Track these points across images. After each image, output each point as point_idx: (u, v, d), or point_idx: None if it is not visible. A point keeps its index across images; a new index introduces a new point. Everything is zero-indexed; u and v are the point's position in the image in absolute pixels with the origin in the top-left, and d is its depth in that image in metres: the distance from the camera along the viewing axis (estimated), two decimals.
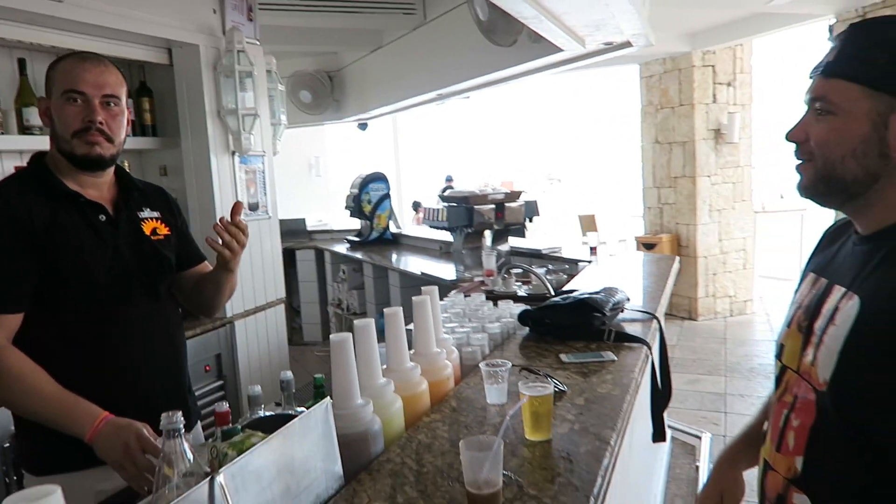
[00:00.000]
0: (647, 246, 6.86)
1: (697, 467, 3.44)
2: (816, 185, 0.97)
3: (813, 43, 6.21)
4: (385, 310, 1.45)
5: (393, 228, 5.91)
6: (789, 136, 0.98)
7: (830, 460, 0.93)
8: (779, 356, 1.07)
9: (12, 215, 1.41)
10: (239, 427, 1.23)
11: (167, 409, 1.53)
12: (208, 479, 0.83)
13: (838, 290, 0.95)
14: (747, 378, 4.99)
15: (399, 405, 1.34)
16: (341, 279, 5.50)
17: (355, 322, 1.33)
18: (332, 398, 1.16)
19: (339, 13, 4.60)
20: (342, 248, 5.68)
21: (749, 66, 6.75)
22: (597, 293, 2.05)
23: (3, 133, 2.39)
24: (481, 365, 1.49)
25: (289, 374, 1.50)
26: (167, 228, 1.72)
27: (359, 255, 5.29)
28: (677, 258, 3.47)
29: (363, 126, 7.16)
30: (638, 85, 7.22)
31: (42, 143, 2.51)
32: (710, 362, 5.43)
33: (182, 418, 0.94)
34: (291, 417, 1.09)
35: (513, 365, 1.59)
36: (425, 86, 5.09)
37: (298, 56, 6.11)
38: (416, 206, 11.94)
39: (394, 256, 5.16)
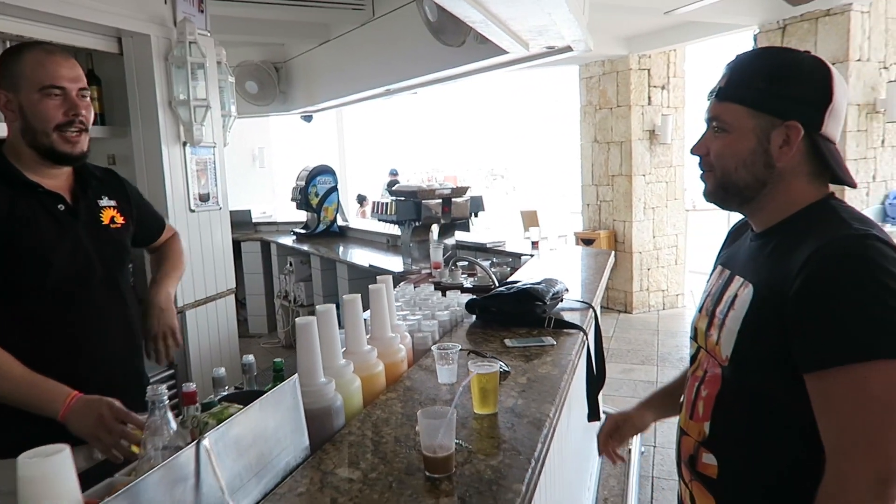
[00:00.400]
0: (586, 241, 7.14)
1: (630, 450, 3.66)
2: (717, 191, 1.13)
3: (740, 50, 6.58)
4: (344, 296, 1.55)
5: (340, 221, 5.96)
6: (693, 151, 1.15)
7: (731, 422, 1.09)
8: (694, 338, 1.23)
9: None
10: (216, 400, 1.31)
11: (126, 393, 1.60)
12: (195, 442, 0.92)
13: (738, 280, 1.11)
14: (677, 367, 5.29)
15: (358, 384, 1.45)
16: (288, 271, 5.52)
17: (318, 307, 1.43)
18: (298, 376, 1.26)
19: (288, 6, 4.63)
20: (288, 241, 5.70)
21: (682, 71, 7.10)
22: (538, 283, 2.20)
23: None
24: (433, 347, 1.61)
25: (251, 358, 1.58)
26: (123, 218, 1.77)
27: (306, 248, 5.33)
28: (613, 253, 3.68)
29: (308, 118, 7.16)
30: (577, 85, 7.48)
31: None
32: (643, 353, 5.72)
33: (166, 390, 1.03)
34: (261, 394, 1.18)
35: (461, 349, 1.72)
36: (372, 81, 5.16)
37: (244, 46, 6.07)
38: (361, 199, 11.97)
39: (340, 249, 5.22)
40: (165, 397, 1.02)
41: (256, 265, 6.03)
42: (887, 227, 5.04)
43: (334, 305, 1.45)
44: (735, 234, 1.28)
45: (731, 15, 5.06)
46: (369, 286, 1.68)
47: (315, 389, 1.29)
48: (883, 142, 5.13)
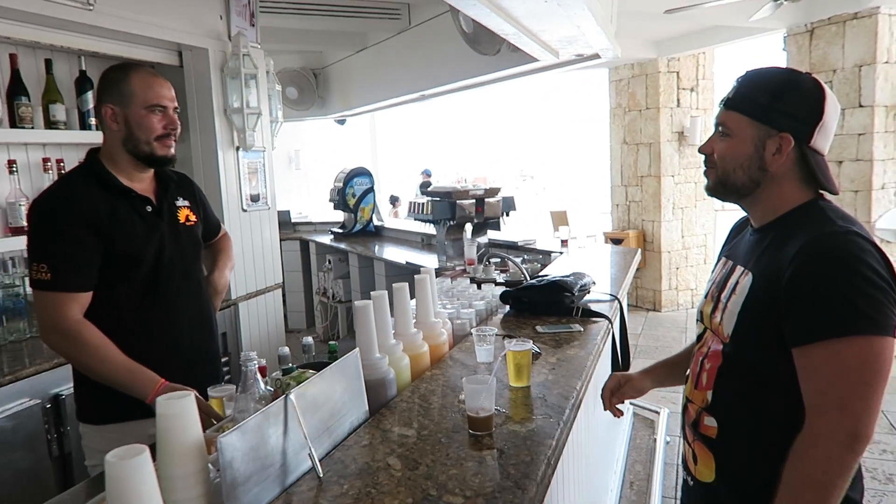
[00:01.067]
0: (615, 241, 7.25)
1: (655, 439, 3.81)
2: (717, 186, 1.31)
3: (769, 52, 6.66)
4: (394, 285, 1.75)
5: (376, 221, 6.19)
6: (701, 150, 1.33)
7: (730, 391, 1.26)
8: (700, 319, 1.41)
9: (82, 208, 1.66)
10: (294, 366, 1.52)
11: (204, 373, 1.84)
12: (284, 396, 1.13)
13: (739, 269, 1.28)
14: None
15: (407, 361, 1.65)
16: (327, 269, 5.77)
17: (372, 293, 1.62)
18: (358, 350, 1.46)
19: (328, 16, 4.86)
20: (326, 240, 5.94)
21: (711, 73, 7.18)
22: (567, 277, 2.38)
23: (32, 127, 2.62)
24: (473, 330, 1.81)
25: (286, 350, 1.77)
26: (195, 216, 2.00)
27: (343, 246, 5.57)
28: (639, 250, 3.83)
29: (342, 121, 7.41)
30: (607, 88, 7.60)
31: (63, 137, 2.78)
32: (671, 349, 5.80)
33: (255, 356, 1.24)
34: (327, 364, 1.38)
35: (497, 333, 1.91)
36: (408, 87, 5.38)
37: (284, 54, 6.33)
38: (393, 200, 12.21)
39: (376, 247, 5.45)
40: (255, 361, 1.23)
41: (296, 263, 6.29)
42: None
43: (385, 292, 1.65)
44: (736, 231, 1.44)
45: (762, 20, 5.15)
46: (415, 276, 1.88)
47: (371, 363, 1.49)
48: None
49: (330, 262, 5.73)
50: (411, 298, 1.87)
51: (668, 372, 1.64)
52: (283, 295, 6.28)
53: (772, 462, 1.15)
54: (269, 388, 1.34)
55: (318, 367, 1.39)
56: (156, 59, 3.05)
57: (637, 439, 3.82)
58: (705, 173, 1.34)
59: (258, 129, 3.36)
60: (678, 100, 7.00)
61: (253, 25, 3.46)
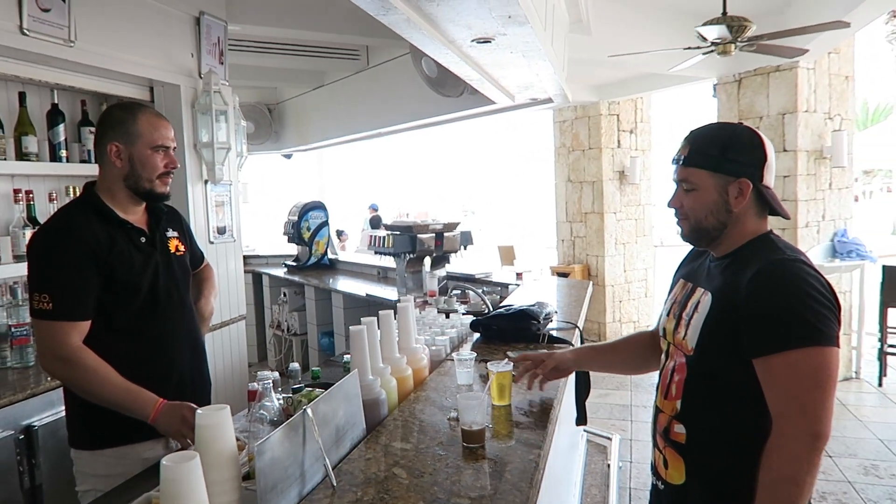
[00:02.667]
0: (561, 275, 7.52)
1: (609, 464, 3.98)
2: (692, 234, 1.50)
3: (700, 98, 7.13)
4: (380, 312, 1.86)
5: (330, 254, 6.25)
6: (670, 205, 1.53)
7: (697, 399, 1.44)
8: (663, 336, 1.59)
9: (83, 239, 1.73)
10: (304, 385, 1.61)
11: (196, 397, 1.90)
12: (302, 410, 1.23)
13: (700, 290, 1.47)
14: (649, 392, 5.65)
15: (394, 383, 1.77)
16: (282, 301, 5.78)
17: (362, 319, 1.73)
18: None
19: (288, 55, 5.00)
20: (280, 272, 5.96)
21: (648, 116, 7.64)
22: (532, 306, 2.54)
23: (4, 159, 2.63)
24: (454, 355, 1.94)
25: (296, 366, 1.87)
26: (184, 246, 2.08)
27: (298, 279, 5.61)
28: (591, 283, 4.05)
29: (288, 155, 7.50)
30: (551, 128, 7.97)
31: (34, 168, 2.80)
32: (617, 379, 6.06)
33: (271, 374, 1.33)
34: (329, 385, 1.48)
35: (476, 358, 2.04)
36: (364, 124, 5.55)
37: (240, 88, 6.40)
38: (340, 233, 12.30)
39: (330, 280, 5.51)
40: (270, 381, 1.33)
41: (248, 296, 6.26)
42: (836, 261, 5.53)
43: (374, 319, 1.77)
44: (695, 254, 1.64)
45: (693, 68, 5.57)
46: (397, 304, 2.01)
47: (367, 384, 1.60)
48: (830, 184, 5.65)
49: (285, 295, 5.75)
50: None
51: (592, 359, 1.87)
52: None
53: (737, 460, 1.33)
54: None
55: (323, 386, 1.49)
56: (128, 93, 3.11)
57: (591, 464, 3.98)
58: (678, 223, 1.53)
59: (226, 162, 3.43)
60: (619, 141, 7.40)
61: (222, 63, 3.56)
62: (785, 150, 5.37)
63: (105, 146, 1.80)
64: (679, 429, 1.46)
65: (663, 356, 1.59)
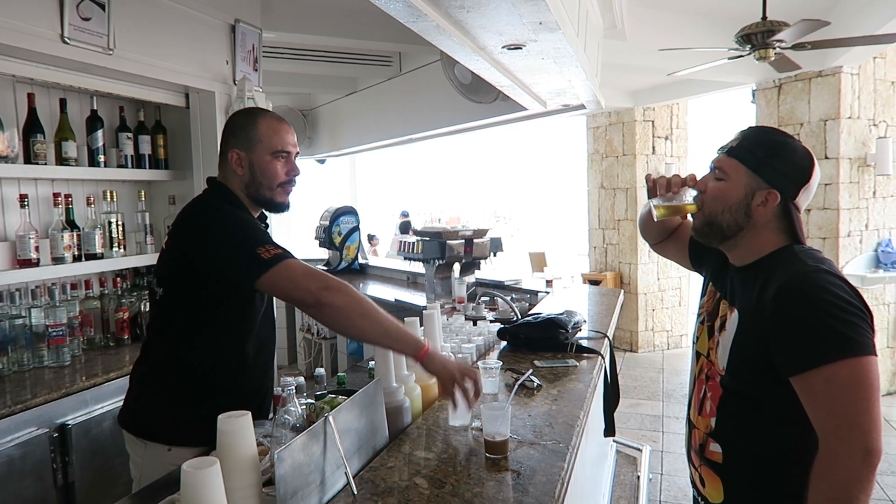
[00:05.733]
0: (593, 282, 7.44)
1: (638, 476, 3.91)
2: (703, 227, 1.46)
3: (738, 104, 7.00)
4: (406, 319, 1.86)
5: (360, 259, 6.29)
6: (695, 186, 1.49)
7: (732, 418, 1.39)
8: (695, 342, 1.55)
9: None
10: (326, 391, 1.62)
11: (265, 399, 1.88)
12: (324, 418, 1.23)
13: (725, 304, 1.43)
14: (681, 403, 5.54)
15: (419, 391, 1.76)
16: None
17: None
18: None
19: (322, 62, 5.05)
20: None
21: (684, 123, 7.52)
22: (560, 314, 2.51)
23: (45, 163, 2.70)
24: (479, 363, 1.92)
25: (322, 371, 1.88)
26: None
27: None
28: (622, 291, 3.99)
29: (322, 160, 7.56)
30: (584, 134, 7.90)
31: (73, 173, 2.87)
32: (649, 389, 5.97)
33: (294, 380, 1.34)
34: (352, 392, 1.48)
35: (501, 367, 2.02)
36: (396, 130, 5.56)
37: (273, 95, 6.49)
38: (371, 238, 12.38)
39: (360, 285, 5.53)
40: (293, 386, 1.33)
41: (278, 300, 6.32)
42: (880, 272, 5.35)
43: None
44: (718, 253, 1.56)
45: (732, 74, 5.47)
46: (423, 311, 2.00)
47: (390, 391, 1.60)
48: (874, 193, 5.48)
49: None
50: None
51: None
52: None
53: (779, 481, 1.28)
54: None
55: (346, 393, 1.49)
56: (164, 100, 3.17)
57: (621, 475, 3.91)
58: (693, 215, 1.49)
59: None
60: (653, 147, 7.30)
61: (256, 70, 3.61)
62: (827, 158, 5.23)
63: (227, 154, 1.78)
64: (715, 447, 1.42)
65: (693, 363, 1.55)
